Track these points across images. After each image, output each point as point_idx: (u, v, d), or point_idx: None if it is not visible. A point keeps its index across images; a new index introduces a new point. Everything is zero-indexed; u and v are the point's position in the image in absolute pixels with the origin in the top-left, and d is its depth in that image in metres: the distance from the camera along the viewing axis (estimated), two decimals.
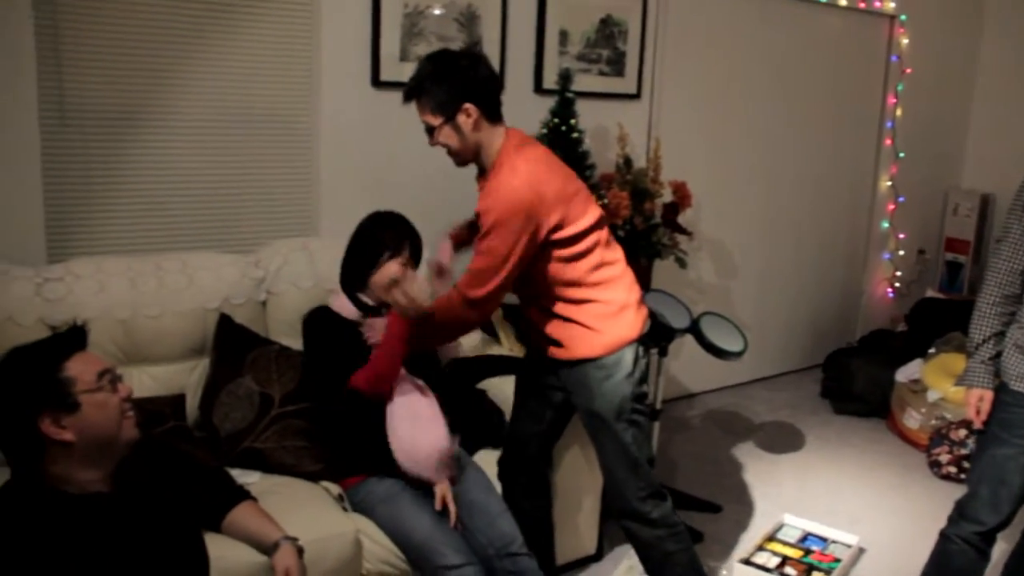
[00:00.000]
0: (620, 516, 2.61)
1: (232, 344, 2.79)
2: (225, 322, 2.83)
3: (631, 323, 2.47)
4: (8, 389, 1.72)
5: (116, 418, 1.80)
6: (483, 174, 2.42)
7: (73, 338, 1.81)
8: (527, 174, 2.29)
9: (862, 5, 5.22)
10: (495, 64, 3.75)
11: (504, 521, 2.54)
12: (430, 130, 2.36)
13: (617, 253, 2.52)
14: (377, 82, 3.53)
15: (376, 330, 2.55)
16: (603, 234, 2.47)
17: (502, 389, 3.03)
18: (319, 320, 2.66)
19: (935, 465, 4.19)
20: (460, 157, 2.40)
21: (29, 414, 1.70)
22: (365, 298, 2.65)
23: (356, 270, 2.66)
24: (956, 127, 6.00)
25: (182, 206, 3.26)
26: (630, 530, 2.60)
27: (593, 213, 2.43)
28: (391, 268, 2.59)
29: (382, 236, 2.64)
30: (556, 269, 2.39)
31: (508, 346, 3.37)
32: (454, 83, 2.31)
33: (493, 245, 2.28)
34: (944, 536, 2.77)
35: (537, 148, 2.43)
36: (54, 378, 1.73)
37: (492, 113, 2.36)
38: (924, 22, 5.52)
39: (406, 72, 3.51)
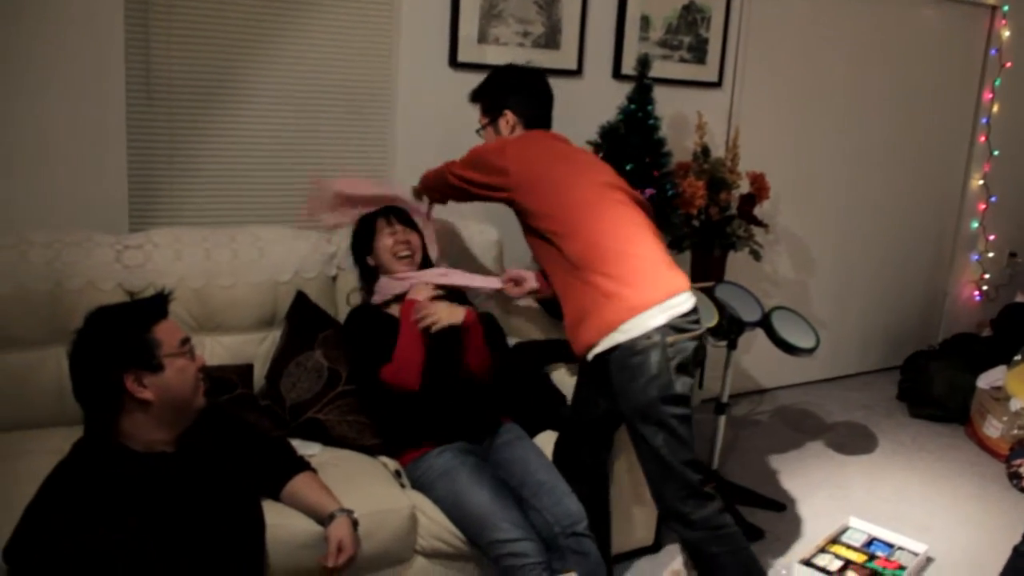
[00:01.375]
0: (662, 515, 2.59)
1: (306, 320, 2.85)
2: (301, 298, 2.90)
3: (616, 310, 2.40)
4: (98, 344, 1.80)
5: (193, 384, 1.88)
6: None
7: (157, 304, 1.89)
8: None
9: None
10: (574, 48, 3.77)
11: (571, 501, 2.55)
12: (479, 128, 2.89)
13: (636, 237, 2.50)
14: (455, 63, 3.55)
15: (415, 287, 2.82)
16: (602, 213, 2.51)
17: (564, 373, 3.04)
18: (358, 317, 2.84)
19: (1015, 477, 4.05)
20: None
21: (116, 369, 1.78)
22: (371, 261, 2.91)
23: (362, 240, 2.94)
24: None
25: (261, 181, 3.34)
26: (674, 529, 2.57)
27: (588, 191, 2.55)
28: (385, 239, 2.88)
29: (363, 226, 2.96)
30: (542, 247, 2.58)
31: None
32: (500, 93, 2.83)
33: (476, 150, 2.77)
34: (1017, 552, 2.69)
35: (539, 135, 2.77)
36: (142, 338, 1.82)
37: (530, 122, 2.78)
38: None
39: (485, 54, 3.58)
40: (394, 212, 2.93)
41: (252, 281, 2.86)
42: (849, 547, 3.34)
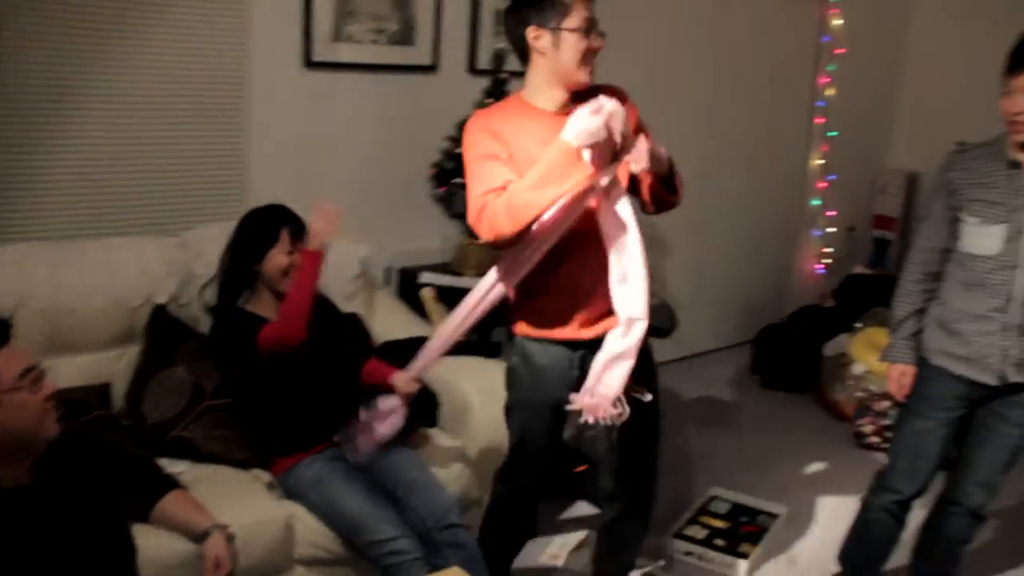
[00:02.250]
0: None
1: (165, 334, 2.78)
2: (158, 312, 2.82)
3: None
4: None
5: (35, 418, 1.79)
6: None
7: None
8: None
9: None
10: (428, 43, 3.78)
11: (442, 494, 2.61)
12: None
13: None
14: (310, 63, 3.50)
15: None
16: None
17: (436, 370, 3.05)
18: (226, 320, 2.68)
19: (859, 436, 4.33)
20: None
21: None
22: (256, 266, 2.65)
23: (257, 242, 2.67)
24: (885, 107, 6.12)
25: (108, 191, 3.20)
26: None
27: None
28: (278, 259, 2.63)
29: (261, 229, 2.68)
30: None
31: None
32: None
33: None
34: (865, 505, 2.90)
35: None
36: None
37: None
38: (857, 2, 5.60)
39: (339, 52, 3.55)
40: (301, 230, 2.70)
41: (104, 298, 2.76)
42: (716, 516, 3.52)
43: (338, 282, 3.19)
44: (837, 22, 5.59)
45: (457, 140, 3.57)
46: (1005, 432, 2.67)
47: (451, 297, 3.42)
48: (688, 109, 5.01)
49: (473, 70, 3.92)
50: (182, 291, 2.90)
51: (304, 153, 3.58)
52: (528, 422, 2.53)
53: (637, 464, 2.61)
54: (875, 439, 4.25)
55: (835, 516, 3.56)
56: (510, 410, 2.57)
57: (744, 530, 3.44)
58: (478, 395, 2.98)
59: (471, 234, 3.67)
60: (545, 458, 2.60)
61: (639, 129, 2.41)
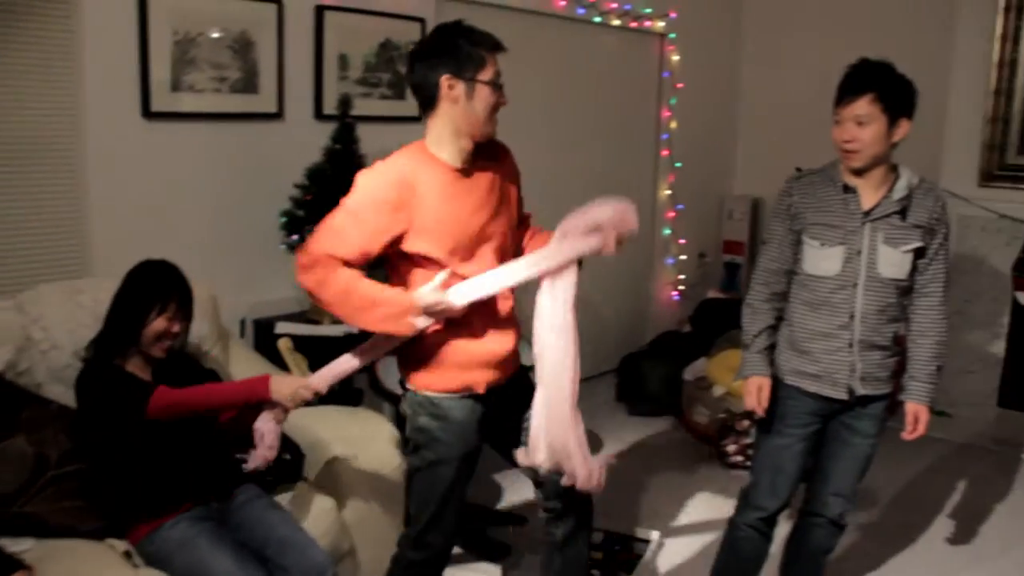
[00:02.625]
0: None
1: (1, 404, 2.60)
2: None
3: None
4: None
5: None
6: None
7: None
8: None
9: (633, 25, 5.48)
10: (273, 91, 3.72)
11: (313, 551, 2.52)
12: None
13: None
14: (148, 113, 3.39)
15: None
16: None
17: (298, 422, 2.97)
18: (98, 377, 2.52)
19: (723, 456, 4.45)
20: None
21: None
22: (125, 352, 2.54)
23: (125, 326, 2.54)
24: (726, 136, 6.40)
25: None
26: None
27: None
28: (158, 325, 2.52)
29: (149, 291, 2.55)
30: None
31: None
32: None
33: None
34: (732, 523, 2.96)
35: None
36: None
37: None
38: (691, 40, 5.86)
39: (180, 102, 3.45)
40: (188, 298, 2.61)
41: None
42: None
43: (191, 336, 3.06)
44: (675, 58, 5.81)
45: (306, 188, 3.53)
46: (856, 443, 2.79)
47: (309, 347, 3.35)
48: (535, 147, 5.08)
49: (320, 116, 3.88)
50: (19, 358, 2.72)
51: (149, 205, 3.45)
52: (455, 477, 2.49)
53: None
54: (739, 458, 4.38)
55: (706, 534, 3.64)
56: (423, 470, 2.49)
57: (621, 558, 3.47)
58: (343, 445, 2.93)
59: None
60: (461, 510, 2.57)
61: (515, 184, 2.66)
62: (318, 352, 3.36)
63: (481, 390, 2.46)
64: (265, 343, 3.56)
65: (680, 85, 5.89)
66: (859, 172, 2.63)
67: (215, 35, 3.52)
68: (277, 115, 3.78)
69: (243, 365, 3.28)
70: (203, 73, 3.50)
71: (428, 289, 2.27)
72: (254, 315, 3.72)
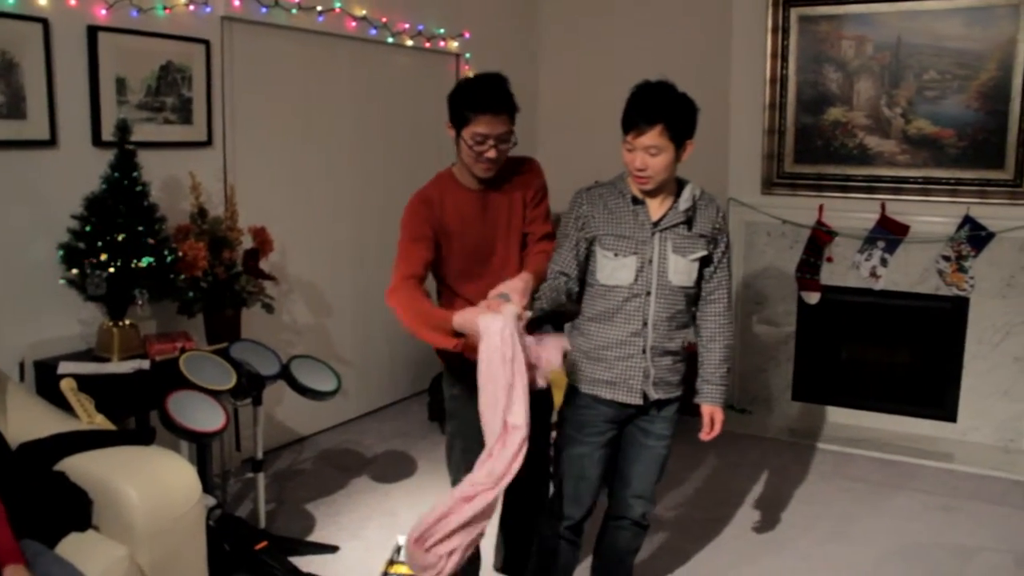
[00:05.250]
0: None
1: None
2: None
3: None
4: None
5: None
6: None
7: None
8: None
9: (427, 45, 5.50)
10: (43, 116, 3.49)
11: None
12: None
13: None
14: None
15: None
16: None
17: (85, 467, 2.79)
18: None
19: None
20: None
21: None
22: None
23: None
24: (524, 152, 6.47)
25: None
26: None
27: None
28: None
29: None
30: None
31: (87, 419, 3.11)
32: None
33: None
34: (540, 535, 2.99)
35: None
36: None
37: None
38: (487, 59, 5.92)
39: None
40: None
41: None
42: (404, 564, 3.48)
43: None
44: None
45: (85, 219, 3.35)
46: (652, 445, 2.89)
47: (96, 386, 3.17)
48: (338, 167, 5.03)
49: (98, 143, 3.66)
50: None
51: None
52: None
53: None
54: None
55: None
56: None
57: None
58: (136, 487, 2.75)
59: (113, 315, 3.44)
60: None
61: (541, 195, 3.01)
62: (107, 392, 3.20)
63: None
64: (48, 385, 3.32)
65: None
66: None
67: None
68: (50, 142, 3.52)
69: (22, 412, 3.06)
70: None
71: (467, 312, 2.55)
72: (35, 356, 3.47)
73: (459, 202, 2.85)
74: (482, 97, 2.72)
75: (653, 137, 2.62)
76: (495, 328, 2.41)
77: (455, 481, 2.98)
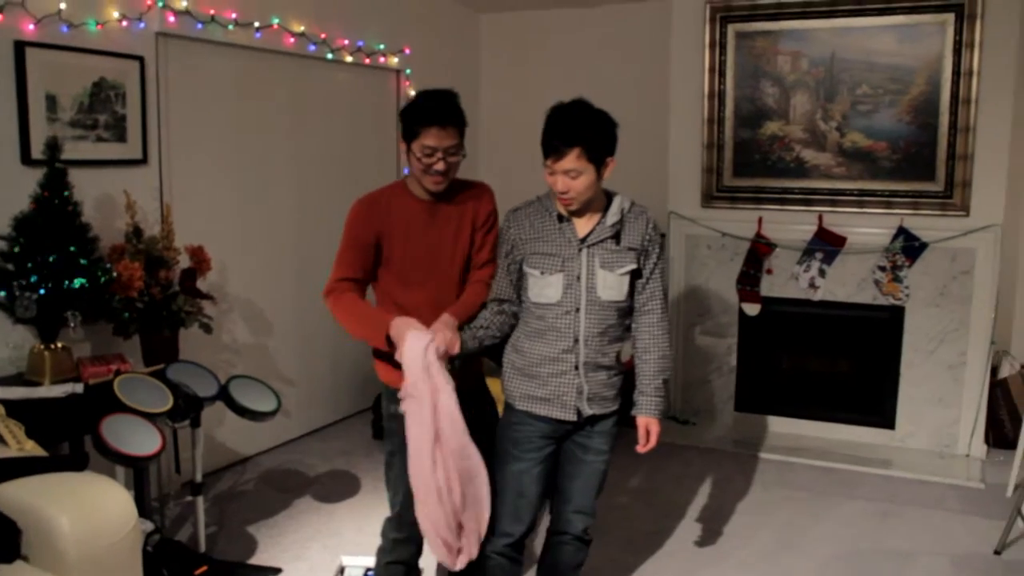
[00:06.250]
0: None
1: None
2: None
3: None
4: None
5: None
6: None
7: None
8: None
9: (367, 61, 5.48)
10: None
11: None
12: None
13: None
14: None
15: None
16: None
17: (13, 494, 2.70)
18: None
19: None
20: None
21: None
22: None
23: None
24: (466, 166, 6.47)
25: None
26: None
27: None
28: None
29: None
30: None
31: (15, 446, 3.02)
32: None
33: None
34: (482, 554, 2.96)
35: None
36: None
37: None
38: (428, 74, 5.92)
39: None
40: None
41: None
42: None
43: None
44: (412, 92, 5.87)
45: (14, 239, 3.27)
46: (590, 460, 2.89)
47: (27, 411, 3.10)
48: (277, 184, 4.98)
49: (27, 161, 3.56)
50: None
51: None
52: None
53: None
54: None
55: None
56: None
57: None
58: (67, 515, 2.68)
59: (44, 337, 3.36)
60: None
61: (492, 221, 3.02)
62: (38, 417, 3.12)
63: None
64: None
65: None
66: None
67: None
68: None
69: None
70: None
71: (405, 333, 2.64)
72: None
73: (406, 208, 2.88)
74: (430, 110, 2.76)
75: (572, 161, 2.63)
76: (421, 344, 2.61)
77: (393, 501, 3.00)
